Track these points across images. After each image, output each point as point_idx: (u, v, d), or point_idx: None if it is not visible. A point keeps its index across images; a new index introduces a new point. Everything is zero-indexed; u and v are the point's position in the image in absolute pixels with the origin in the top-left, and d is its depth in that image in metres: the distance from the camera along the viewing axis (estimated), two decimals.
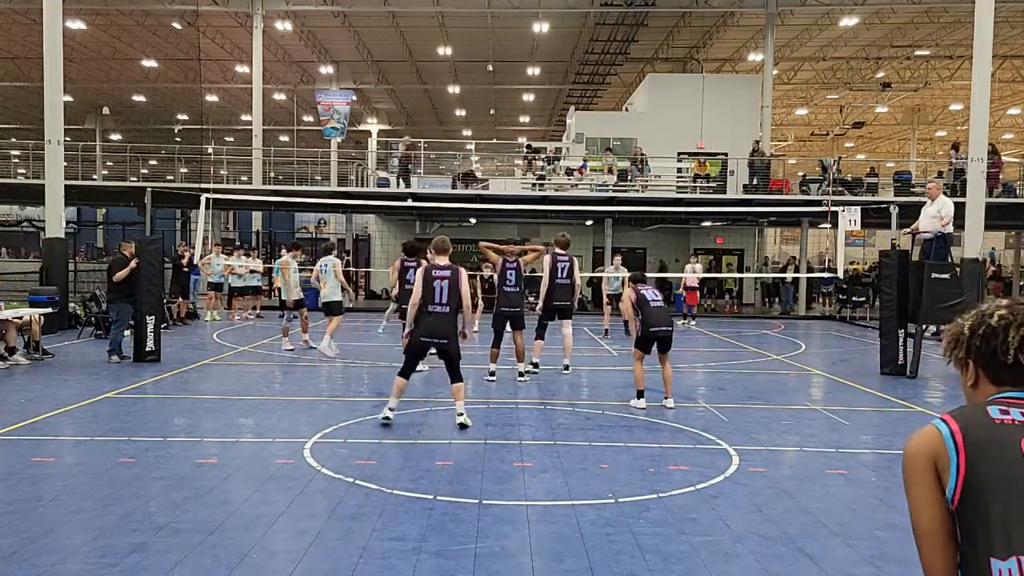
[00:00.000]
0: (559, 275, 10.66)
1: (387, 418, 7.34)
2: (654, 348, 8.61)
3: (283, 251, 21.58)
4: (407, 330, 7.41)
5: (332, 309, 12.36)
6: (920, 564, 1.65)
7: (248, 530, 4.68)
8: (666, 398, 8.63)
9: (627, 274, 16.95)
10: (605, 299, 17.27)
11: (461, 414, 7.32)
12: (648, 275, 26.54)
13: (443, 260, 7.35)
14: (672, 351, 8.72)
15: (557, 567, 4.24)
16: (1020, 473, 1.56)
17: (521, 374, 10.30)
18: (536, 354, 10.84)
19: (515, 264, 10.39)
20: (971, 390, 1.82)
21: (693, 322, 19.84)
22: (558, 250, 10.69)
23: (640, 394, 8.65)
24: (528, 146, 26.69)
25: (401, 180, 23.87)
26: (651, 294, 8.66)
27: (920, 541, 1.68)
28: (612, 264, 17.52)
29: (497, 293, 10.40)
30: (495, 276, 10.52)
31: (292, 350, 12.85)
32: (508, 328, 10.41)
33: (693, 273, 19.52)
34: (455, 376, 7.34)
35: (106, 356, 11.48)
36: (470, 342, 10.20)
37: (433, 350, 7.37)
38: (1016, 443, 1.61)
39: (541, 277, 10.86)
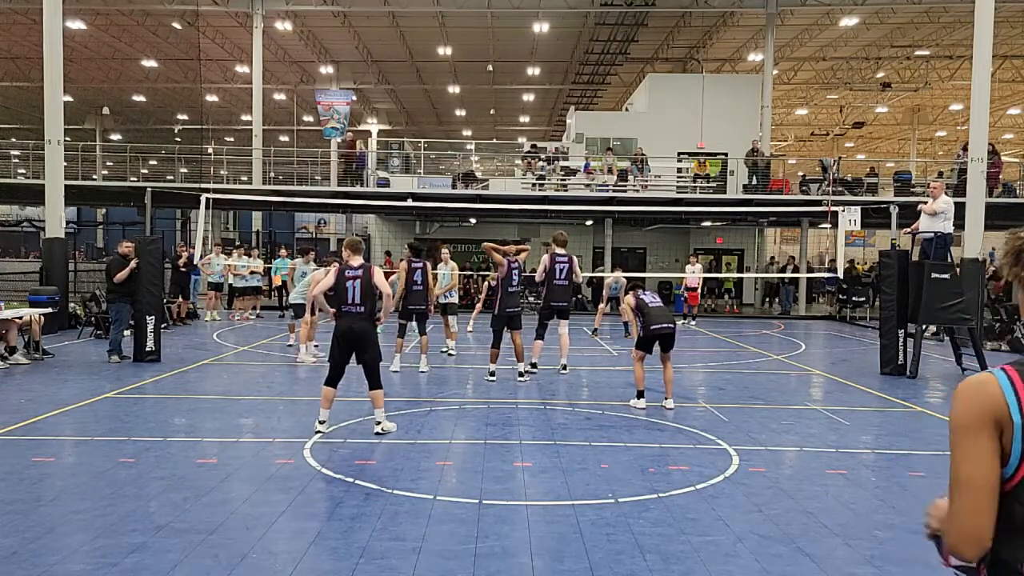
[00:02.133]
0: (557, 276, 10.57)
1: (319, 431, 7.08)
2: (657, 349, 8.63)
3: (282, 251, 21.67)
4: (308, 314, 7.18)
5: (295, 312, 12.35)
6: (952, 524, 1.47)
7: (248, 530, 4.68)
8: (666, 399, 8.63)
9: (624, 279, 17.01)
10: (604, 299, 17.27)
11: (379, 422, 7.11)
12: (649, 275, 26.51)
13: (357, 260, 7.16)
14: (672, 351, 8.72)
15: (557, 567, 4.24)
16: None
17: (521, 374, 10.30)
18: (535, 355, 10.84)
19: (517, 264, 10.39)
20: None
21: (693, 322, 19.83)
22: (558, 250, 10.57)
23: (640, 394, 8.66)
24: (533, 146, 26.68)
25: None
26: (649, 297, 8.74)
27: (964, 495, 1.49)
28: (613, 275, 17.54)
29: (501, 294, 10.35)
30: (499, 278, 10.44)
31: (292, 345, 12.96)
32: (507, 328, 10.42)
33: (693, 274, 19.51)
34: (373, 383, 7.07)
35: (106, 356, 11.49)
36: (462, 338, 10.14)
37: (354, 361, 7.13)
38: None
39: (535, 277, 10.87)
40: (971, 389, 1.52)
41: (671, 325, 8.57)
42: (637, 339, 8.73)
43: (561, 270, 10.57)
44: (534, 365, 10.80)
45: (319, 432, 7.08)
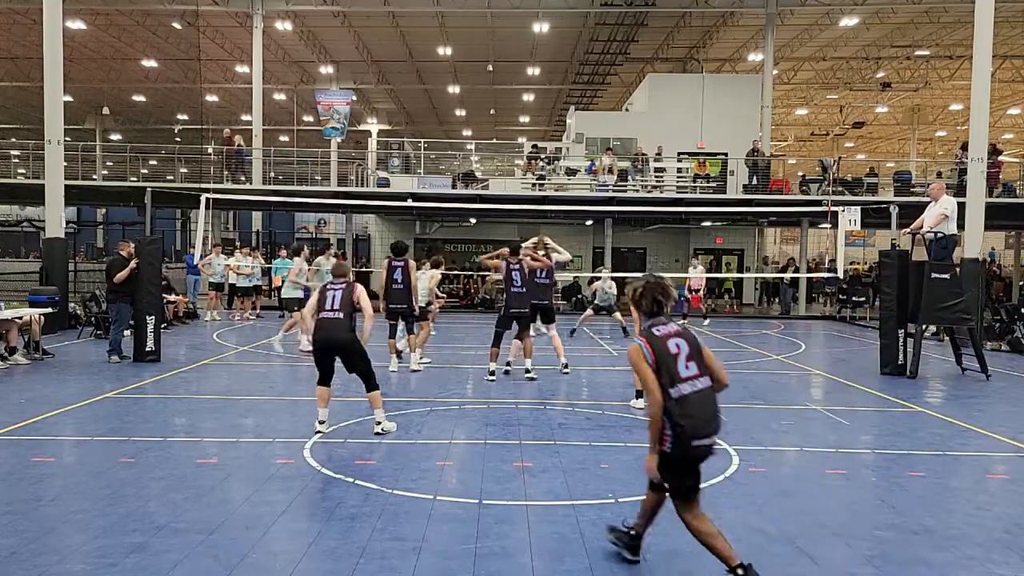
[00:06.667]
0: (539, 275, 10.73)
1: (319, 431, 7.10)
2: None
3: (282, 251, 21.72)
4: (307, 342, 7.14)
5: (296, 305, 12.53)
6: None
7: (248, 530, 4.68)
8: None
9: (614, 282, 16.51)
10: (590, 306, 16.35)
11: (379, 423, 7.13)
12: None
13: (341, 280, 7.28)
14: None
15: (557, 567, 4.24)
16: (668, 354, 3.89)
17: (527, 370, 10.33)
18: (512, 354, 10.75)
19: (519, 266, 10.39)
20: (641, 318, 4.15)
21: (706, 321, 19.77)
22: (539, 251, 10.85)
23: (639, 394, 8.64)
24: (535, 146, 26.70)
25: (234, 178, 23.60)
26: None
27: (648, 383, 3.87)
28: (600, 278, 16.24)
29: (506, 296, 10.39)
30: (499, 279, 10.50)
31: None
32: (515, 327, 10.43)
33: (696, 274, 19.42)
34: (370, 385, 7.08)
35: (106, 356, 11.49)
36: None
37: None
38: (663, 342, 3.93)
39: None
40: (633, 350, 3.97)
41: None
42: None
43: (541, 271, 10.68)
44: (509, 364, 10.74)
45: (319, 432, 7.08)
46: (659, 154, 23.99)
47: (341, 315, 6.97)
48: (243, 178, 24.06)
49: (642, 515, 4.32)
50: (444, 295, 16.67)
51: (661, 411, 3.81)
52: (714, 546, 3.97)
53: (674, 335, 3.94)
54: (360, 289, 7.17)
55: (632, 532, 4.35)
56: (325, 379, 7.15)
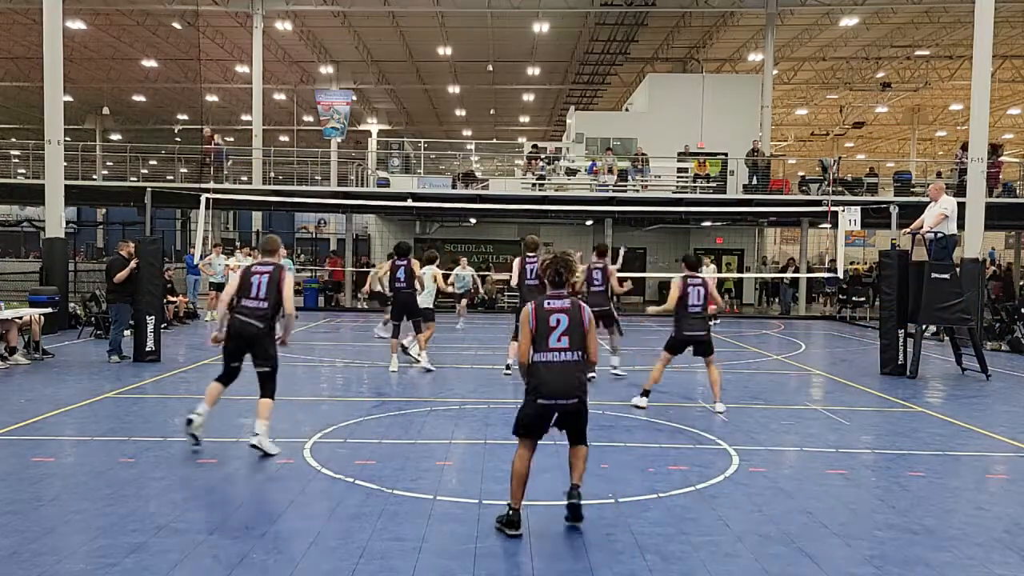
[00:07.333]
0: (528, 276, 10.71)
1: (190, 421, 6.34)
2: (688, 351, 8.60)
3: (281, 250, 21.65)
4: (218, 331, 6.43)
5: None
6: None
7: (248, 530, 4.68)
8: (715, 402, 8.46)
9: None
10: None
11: (257, 434, 6.22)
12: (649, 276, 26.08)
13: (269, 259, 6.59)
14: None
15: (557, 567, 4.24)
16: (547, 325, 4.66)
17: (614, 367, 10.52)
18: (511, 356, 10.72)
19: (601, 265, 10.51)
20: (547, 287, 4.81)
21: (716, 321, 19.78)
22: (528, 252, 10.78)
23: (646, 393, 8.59)
24: (535, 146, 26.69)
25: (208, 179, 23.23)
26: (695, 296, 8.35)
27: (522, 342, 4.72)
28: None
29: (587, 292, 10.59)
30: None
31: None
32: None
33: (709, 274, 19.40)
34: (265, 391, 6.36)
35: (106, 356, 11.48)
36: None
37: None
38: (548, 314, 4.68)
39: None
40: (524, 312, 4.75)
41: (703, 332, 8.41)
42: (668, 340, 8.57)
43: (531, 270, 10.74)
44: (508, 367, 10.73)
45: (191, 421, 6.38)
46: (682, 152, 23.92)
47: (266, 304, 6.29)
48: (222, 174, 24.07)
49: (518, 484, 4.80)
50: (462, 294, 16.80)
51: (522, 364, 4.77)
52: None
53: (560, 311, 4.71)
54: (288, 277, 6.40)
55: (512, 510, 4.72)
56: (228, 377, 6.49)
